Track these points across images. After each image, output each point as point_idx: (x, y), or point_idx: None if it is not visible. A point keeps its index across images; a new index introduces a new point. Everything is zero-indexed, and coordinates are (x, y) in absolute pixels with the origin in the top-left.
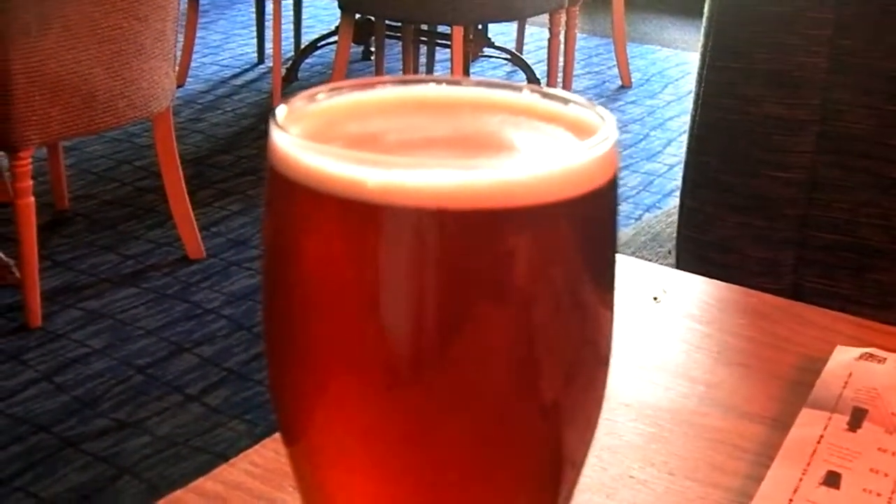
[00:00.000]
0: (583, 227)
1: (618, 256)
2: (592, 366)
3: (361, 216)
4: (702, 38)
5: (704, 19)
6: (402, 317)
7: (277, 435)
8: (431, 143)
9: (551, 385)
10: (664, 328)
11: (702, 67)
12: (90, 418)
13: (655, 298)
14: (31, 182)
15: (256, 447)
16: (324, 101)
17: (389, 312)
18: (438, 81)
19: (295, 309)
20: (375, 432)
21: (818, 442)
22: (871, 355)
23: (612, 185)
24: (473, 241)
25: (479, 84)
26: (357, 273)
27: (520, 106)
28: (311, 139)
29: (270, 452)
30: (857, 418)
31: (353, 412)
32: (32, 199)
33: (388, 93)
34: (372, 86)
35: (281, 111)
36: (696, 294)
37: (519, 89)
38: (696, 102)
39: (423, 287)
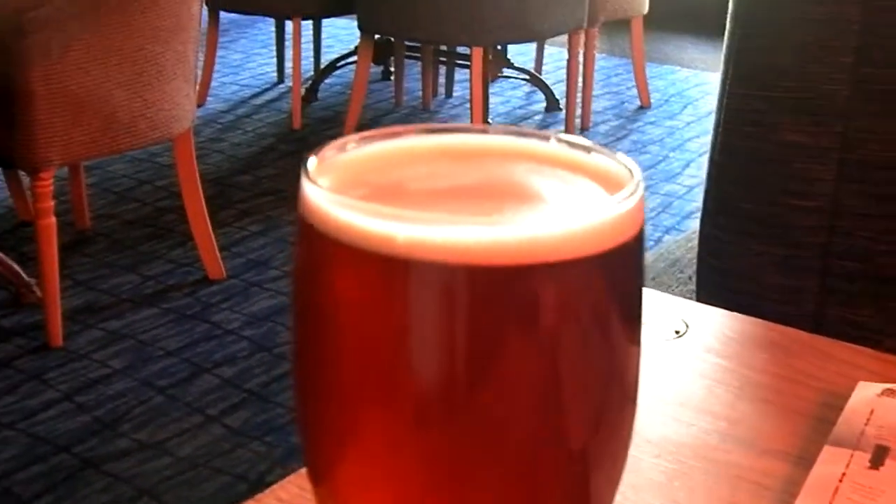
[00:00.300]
0: (610, 280)
1: None
2: (619, 409)
3: (390, 270)
4: (722, 65)
5: (724, 46)
6: (429, 367)
7: (303, 471)
8: (459, 192)
9: (578, 430)
10: (686, 363)
11: (722, 94)
12: (111, 439)
13: (677, 332)
14: (52, 202)
15: (282, 482)
16: (353, 151)
17: (417, 362)
18: (466, 130)
19: (324, 354)
20: (402, 476)
21: (840, 480)
22: (893, 391)
23: (640, 237)
24: (501, 295)
25: (505, 132)
26: (385, 324)
27: (546, 155)
28: (341, 190)
29: (295, 488)
30: (880, 456)
31: (380, 456)
32: (53, 219)
33: (416, 142)
34: (400, 135)
35: (311, 163)
36: (718, 327)
37: (546, 138)
38: (716, 129)
39: (451, 339)
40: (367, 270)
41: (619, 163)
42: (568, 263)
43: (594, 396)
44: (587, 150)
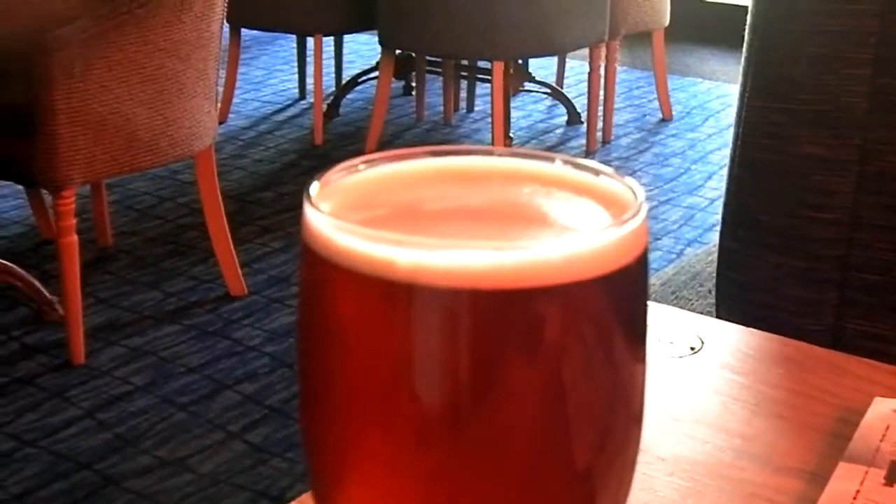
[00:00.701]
0: (614, 301)
1: (656, 305)
2: (624, 428)
3: (393, 295)
4: (741, 77)
5: (743, 59)
6: (432, 390)
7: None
8: (464, 215)
9: (583, 449)
10: (701, 379)
11: (741, 107)
12: (132, 456)
13: (692, 349)
14: (74, 221)
15: (300, 499)
16: (358, 174)
17: (420, 386)
18: (471, 152)
19: (327, 377)
20: (405, 498)
21: (855, 497)
22: None
23: (643, 259)
24: (504, 317)
25: (511, 154)
26: (388, 348)
27: (551, 177)
28: (344, 214)
29: None
30: (895, 473)
31: (383, 477)
32: (75, 237)
33: (421, 164)
34: (405, 157)
35: (314, 188)
36: (733, 343)
37: (551, 160)
38: (734, 142)
39: (454, 362)
40: (369, 295)
41: (623, 185)
42: (571, 286)
43: (599, 418)
44: (593, 172)
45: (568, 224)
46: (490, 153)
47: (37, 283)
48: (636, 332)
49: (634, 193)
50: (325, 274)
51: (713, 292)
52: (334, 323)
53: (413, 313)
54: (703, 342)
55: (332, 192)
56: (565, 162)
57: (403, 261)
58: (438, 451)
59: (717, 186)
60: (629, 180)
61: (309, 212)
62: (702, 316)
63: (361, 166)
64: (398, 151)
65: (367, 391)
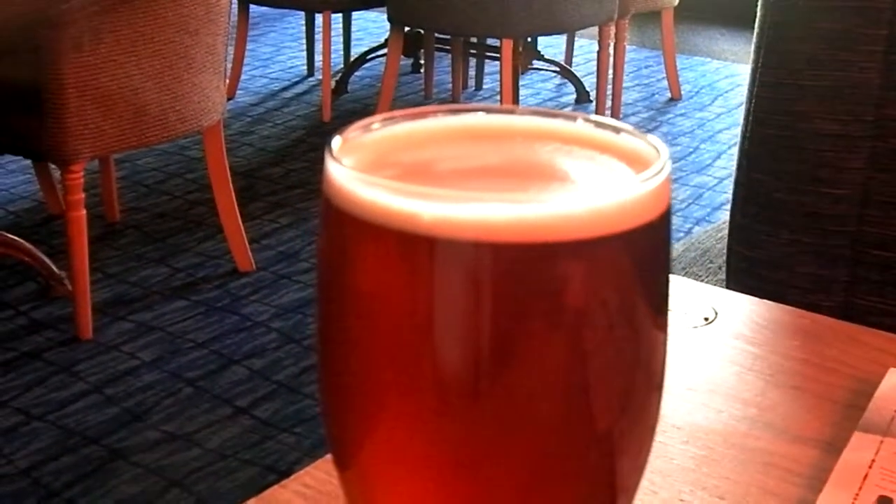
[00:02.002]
0: (636, 259)
1: (669, 276)
2: (645, 392)
3: (416, 249)
4: (752, 54)
5: (755, 35)
6: (455, 346)
7: (329, 457)
8: (484, 172)
9: (604, 412)
10: (715, 349)
11: (752, 84)
12: (140, 430)
13: (706, 319)
14: (82, 195)
15: (308, 468)
16: (377, 132)
17: (443, 341)
18: (491, 111)
19: (348, 335)
20: (427, 458)
21: (870, 466)
22: None
23: (666, 216)
24: (527, 272)
25: (531, 113)
26: (411, 303)
27: (572, 135)
28: (365, 170)
29: (322, 474)
30: None
31: (405, 437)
32: (84, 211)
33: (441, 122)
34: (425, 115)
35: (336, 142)
36: (747, 314)
37: (573, 118)
38: (746, 119)
39: (477, 317)
40: (391, 249)
41: (646, 142)
42: (594, 241)
43: (620, 379)
44: (615, 130)
45: (590, 180)
46: (511, 112)
47: (44, 259)
48: (659, 293)
49: (657, 150)
50: (347, 228)
51: (723, 269)
52: (355, 278)
53: (435, 268)
54: (716, 313)
55: (353, 148)
56: (587, 120)
57: (427, 214)
58: (460, 406)
59: (726, 166)
60: (652, 138)
61: (331, 166)
62: (716, 287)
63: (381, 124)
64: (419, 109)
65: (388, 349)
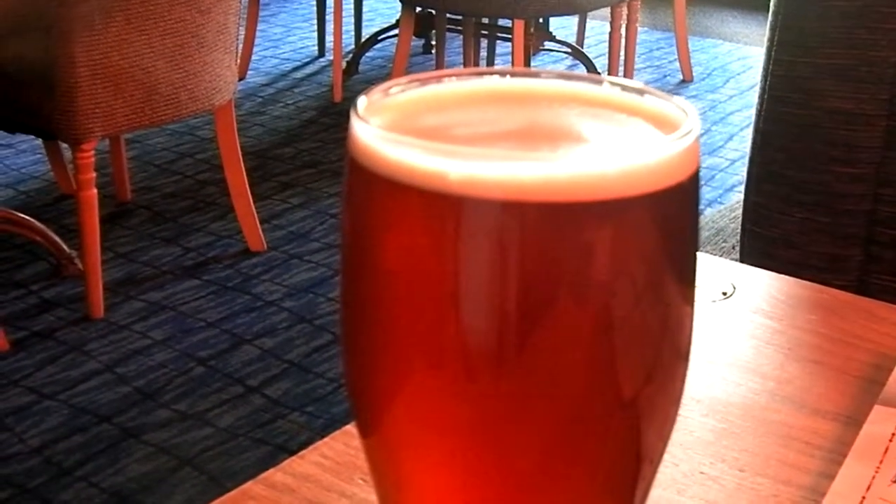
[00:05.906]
0: (665, 222)
1: None
2: (672, 361)
3: (442, 208)
4: (767, 32)
5: (770, 13)
6: (481, 308)
7: (348, 427)
8: (510, 135)
9: (631, 380)
10: (734, 324)
11: (767, 62)
12: (151, 409)
13: (724, 294)
14: (93, 174)
15: (326, 439)
16: (401, 94)
17: (469, 304)
18: (516, 74)
19: (374, 300)
20: (452, 425)
21: (890, 440)
22: None
23: (695, 179)
24: (554, 233)
25: (557, 76)
26: (437, 264)
27: (599, 98)
28: (391, 130)
29: (340, 445)
30: None
31: (430, 404)
32: (95, 191)
33: (465, 85)
34: (449, 77)
35: (361, 102)
36: (766, 289)
37: (599, 82)
38: (761, 97)
39: (503, 279)
40: (418, 209)
41: (674, 104)
42: (623, 202)
43: (647, 345)
44: (641, 92)
45: (618, 141)
46: (536, 75)
47: (56, 238)
48: (686, 254)
49: (685, 112)
50: (373, 188)
51: (737, 248)
52: (380, 239)
53: (462, 227)
54: (735, 288)
55: (377, 109)
56: (613, 83)
57: (454, 173)
58: (485, 365)
59: (738, 148)
60: (679, 99)
61: (357, 125)
62: (734, 262)
63: (405, 86)
64: (444, 72)
65: (413, 310)
